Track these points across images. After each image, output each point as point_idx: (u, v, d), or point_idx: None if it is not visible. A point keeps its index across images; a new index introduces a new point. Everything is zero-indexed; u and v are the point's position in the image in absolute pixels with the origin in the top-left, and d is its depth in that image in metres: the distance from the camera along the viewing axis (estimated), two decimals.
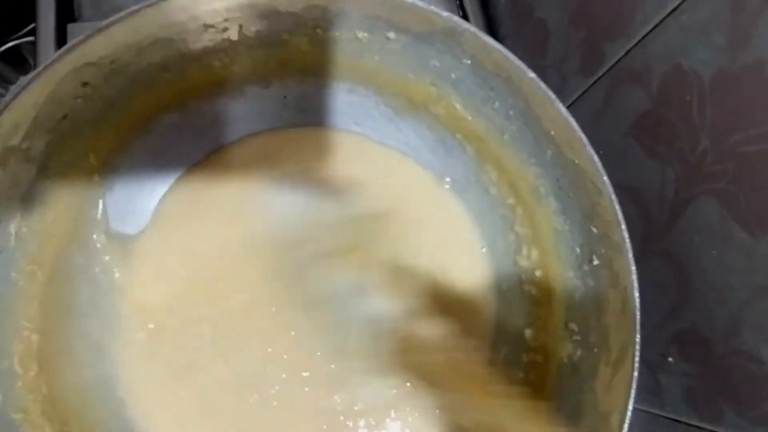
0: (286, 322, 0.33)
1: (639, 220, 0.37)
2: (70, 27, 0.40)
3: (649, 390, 0.38)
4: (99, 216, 0.31)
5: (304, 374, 0.33)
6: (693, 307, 0.33)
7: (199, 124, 0.33)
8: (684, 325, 0.34)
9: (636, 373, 0.24)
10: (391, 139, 0.35)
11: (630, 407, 0.24)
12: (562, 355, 0.29)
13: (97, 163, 0.30)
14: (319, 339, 0.33)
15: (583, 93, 0.43)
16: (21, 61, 0.51)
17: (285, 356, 0.33)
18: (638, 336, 0.24)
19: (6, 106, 0.24)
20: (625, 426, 0.24)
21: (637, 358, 0.24)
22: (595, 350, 0.27)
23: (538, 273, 0.32)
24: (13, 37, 0.50)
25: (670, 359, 0.36)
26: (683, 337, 0.34)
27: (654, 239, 0.36)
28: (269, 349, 0.33)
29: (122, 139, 0.31)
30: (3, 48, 0.50)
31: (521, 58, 0.27)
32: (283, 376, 0.33)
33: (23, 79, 0.25)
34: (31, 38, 0.49)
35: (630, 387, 0.24)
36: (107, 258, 0.32)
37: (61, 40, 0.40)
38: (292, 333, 0.33)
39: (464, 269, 0.35)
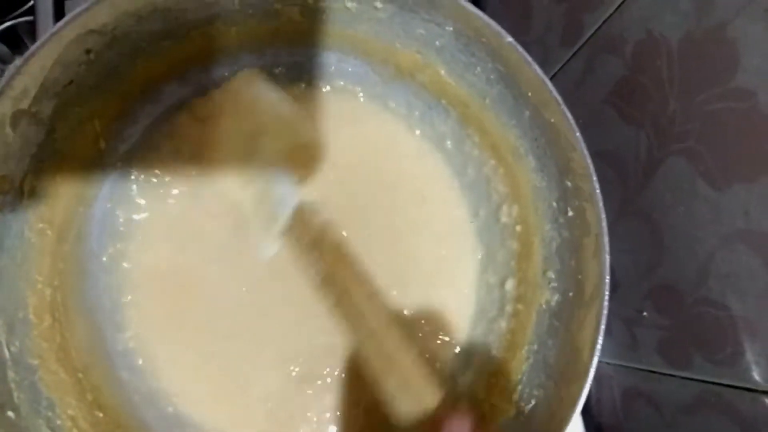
0: None
1: (616, 184, 0.39)
2: (68, 4, 0.42)
3: (626, 345, 0.39)
4: (104, 179, 0.33)
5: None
6: (666, 262, 0.34)
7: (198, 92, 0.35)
8: (658, 280, 0.36)
9: (605, 311, 0.26)
10: (379, 105, 0.37)
11: (600, 341, 0.26)
12: (540, 301, 0.31)
13: (102, 129, 0.32)
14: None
15: (564, 65, 0.44)
16: (17, 42, 0.51)
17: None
18: (608, 277, 0.26)
19: (17, 71, 0.26)
20: (595, 359, 0.26)
21: (606, 298, 0.26)
22: (570, 294, 0.29)
23: (518, 228, 0.33)
24: (10, 16, 0.50)
25: (645, 314, 0.38)
26: (657, 291, 0.36)
27: (630, 201, 0.37)
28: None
29: (126, 106, 0.32)
30: (0, 28, 0.50)
31: None
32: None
33: (32, 47, 0.27)
34: (28, 18, 0.50)
35: (600, 324, 0.26)
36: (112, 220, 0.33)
37: (59, 17, 0.41)
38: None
39: (448, 230, 0.36)
